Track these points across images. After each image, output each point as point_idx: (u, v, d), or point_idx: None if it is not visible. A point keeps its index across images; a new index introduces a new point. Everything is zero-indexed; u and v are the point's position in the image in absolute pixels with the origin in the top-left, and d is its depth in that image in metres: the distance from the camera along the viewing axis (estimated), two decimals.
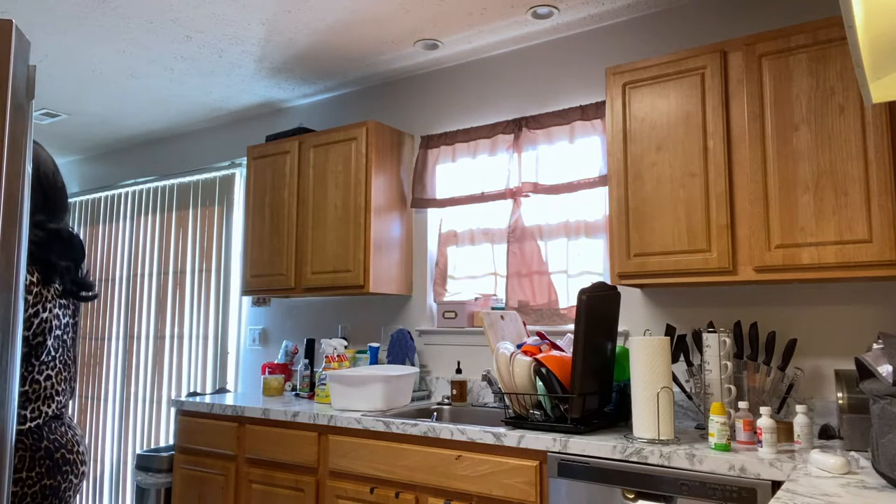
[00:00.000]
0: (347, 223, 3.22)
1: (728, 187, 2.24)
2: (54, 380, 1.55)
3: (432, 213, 3.41)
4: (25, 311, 1.44)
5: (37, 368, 1.51)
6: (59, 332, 1.56)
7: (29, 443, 1.46)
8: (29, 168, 1.18)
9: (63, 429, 1.55)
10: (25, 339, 1.47)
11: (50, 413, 1.54)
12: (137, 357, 4.48)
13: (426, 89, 3.46)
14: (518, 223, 3.08)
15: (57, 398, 1.56)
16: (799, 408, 2.02)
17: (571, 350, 2.25)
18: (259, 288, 3.54)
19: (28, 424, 1.48)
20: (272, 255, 3.48)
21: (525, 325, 2.78)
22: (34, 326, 1.48)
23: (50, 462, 1.48)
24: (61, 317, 1.57)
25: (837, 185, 2.05)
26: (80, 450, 1.58)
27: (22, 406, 1.48)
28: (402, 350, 3.26)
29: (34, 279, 1.48)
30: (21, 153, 1.13)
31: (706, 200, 2.27)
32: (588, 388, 2.23)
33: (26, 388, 1.50)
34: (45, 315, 1.50)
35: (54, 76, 3.52)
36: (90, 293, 1.65)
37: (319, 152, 3.38)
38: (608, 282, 2.49)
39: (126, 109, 4.06)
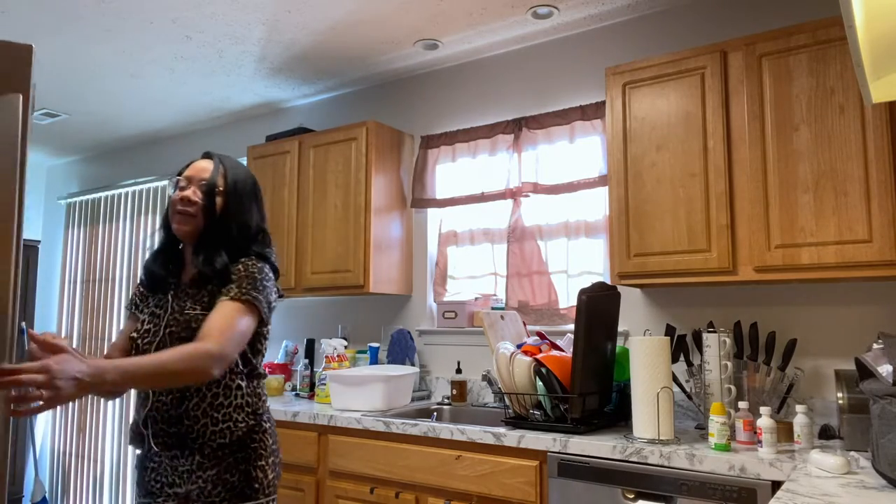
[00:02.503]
0: (347, 223, 3.22)
1: (728, 187, 2.24)
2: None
3: (432, 213, 3.41)
4: (272, 304, 1.68)
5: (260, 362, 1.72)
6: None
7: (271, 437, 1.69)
8: (26, 173, 1.21)
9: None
10: (263, 335, 1.69)
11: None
12: None
13: (426, 89, 3.46)
14: (518, 223, 3.08)
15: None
16: (799, 408, 2.02)
17: (571, 350, 2.25)
18: None
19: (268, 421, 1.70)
20: None
21: (525, 325, 2.78)
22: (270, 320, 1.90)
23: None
24: None
25: (837, 185, 2.05)
26: None
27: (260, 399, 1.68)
28: (402, 350, 3.26)
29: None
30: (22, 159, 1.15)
31: (706, 200, 2.27)
32: (588, 388, 2.22)
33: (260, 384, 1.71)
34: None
35: (54, 76, 3.52)
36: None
37: (319, 152, 3.38)
38: (608, 282, 2.49)
39: (126, 109, 4.06)
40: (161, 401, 1.57)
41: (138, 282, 1.77)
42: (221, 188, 1.66)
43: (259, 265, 1.64)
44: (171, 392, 1.57)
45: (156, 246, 1.74)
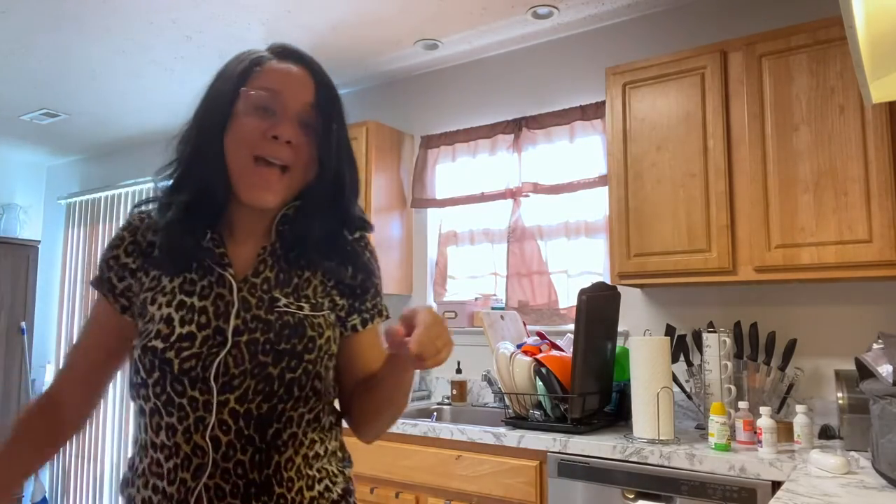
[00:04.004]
0: None
1: (728, 187, 2.24)
2: None
3: (432, 213, 3.40)
4: None
5: None
6: None
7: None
8: None
9: None
10: None
11: None
12: None
13: (426, 89, 3.46)
14: (518, 223, 3.08)
15: None
16: (799, 408, 2.02)
17: (571, 350, 2.25)
18: None
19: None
20: None
21: (525, 325, 2.78)
22: None
23: None
24: None
25: (837, 185, 2.05)
26: None
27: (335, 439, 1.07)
28: None
29: None
30: None
31: (706, 200, 2.27)
32: (588, 388, 2.22)
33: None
34: None
35: (54, 76, 3.52)
36: None
37: None
38: (608, 282, 2.49)
39: (126, 109, 4.06)
40: (234, 459, 0.90)
41: (113, 245, 1.02)
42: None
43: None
44: (251, 442, 0.91)
45: (188, 190, 0.99)
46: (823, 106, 2.09)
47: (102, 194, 4.89)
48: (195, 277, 0.96)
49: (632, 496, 1.99)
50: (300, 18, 2.89)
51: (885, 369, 1.53)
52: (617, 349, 2.44)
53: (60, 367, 1.08)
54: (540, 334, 2.59)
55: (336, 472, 1.02)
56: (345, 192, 1.02)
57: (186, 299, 0.94)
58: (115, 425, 4.56)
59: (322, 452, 1.00)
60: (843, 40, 2.07)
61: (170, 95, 3.82)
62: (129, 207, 4.71)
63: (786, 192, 2.13)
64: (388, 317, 1.10)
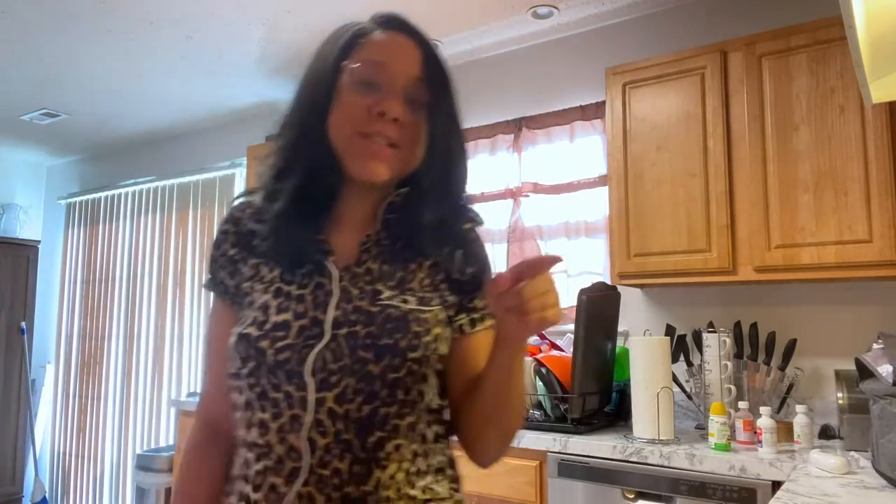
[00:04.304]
0: None
1: (728, 187, 2.24)
2: None
3: None
4: None
5: None
6: None
7: None
8: None
9: None
10: None
11: None
12: (137, 357, 4.48)
13: None
14: (518, 223, 3.08)
15: None
16: (799, 408, 2.02)
17: (571, 350, 2.25)
18: None
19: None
20: None
21: None
22: None
23: None
24: None
25: (837, 185, 2.05)
26: None
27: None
28: None
29: None
30: None
31: (706, 200, 2.27)
32: (588, 388, 2.22)
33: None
34: None
35: (54, 76, 3.52)
36: None
37: None
38: (608, 282, 2.49)
39: (126, 109, 4.06)
40: (331, 465, 0.81)
41: (218, 242, 0.96)
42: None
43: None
44: (350, 448, 0.82)
45: (295, 177, 0.90)
46: (823, 106, 2.09)
47: (102, 194, 4.89)
48: (296, 265, 0.89)
49: (632, 496, 1.99)
50: (300, 18, 2.89)
51: (885, 369, 1.53)
52: (617, 349, 2.44)
53: (200, 387, 1.02)
54: (540, 334, 2.58)
55: (445, 493, 0.91)
56: (456, 175, 0.93)
57: (284, 287, 0.87)
58: (115, 425, 4.56)
59: (425, 468, 0.88)
60: (843, 40, 2.06)
61: (170, 95, 3.82)
62: (128, 207, 4.72)
63: (786, 192, 2.13)
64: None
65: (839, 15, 1.16)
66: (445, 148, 0.90)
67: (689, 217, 2.29)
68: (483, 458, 0.95)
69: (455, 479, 0.96)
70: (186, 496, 0.94)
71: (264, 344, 0.83)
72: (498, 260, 3.15)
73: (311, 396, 0.81)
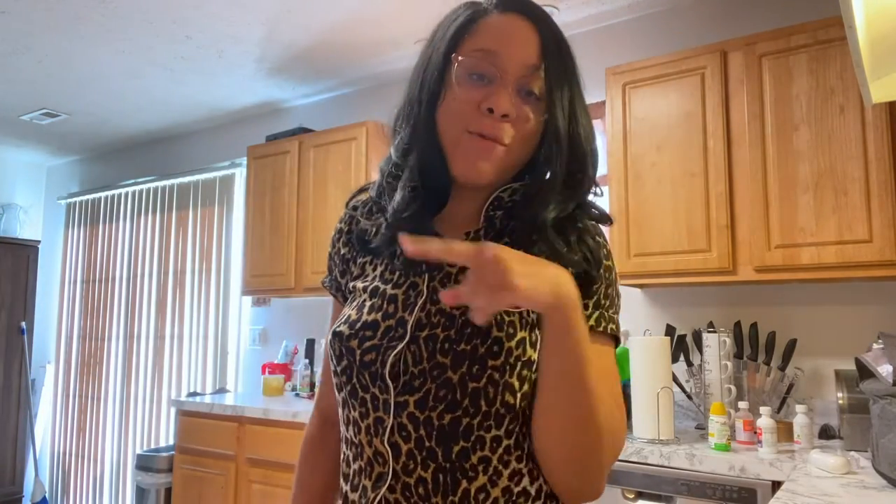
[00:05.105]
0: None
1: (728, 187, 2.24)
2: None
3: None
4: None
5: None
6: None
7: None
8: None
9: None
10: None
11: None
12: (137, 357, 4.48)
13: None
14: None
15: None
16: (799, 408, 2.02)
17: None
18: (259, 288, 3.54)
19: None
20: (272, 255, 3.48)
21: None
22: None
23: None
24: None
25: (837, 185, 2.05)
26: None
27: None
28: None
29: None
30: None
31: (706, 200, 2.27)
32: None
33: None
34: None
35: (54, 76, 3.52)
36: None
37: (319, 152, 3.38)
38: None
39: (126, 109, 4.06)
40: (415, 474, 0.78)
41: (333, 241, 0.97)
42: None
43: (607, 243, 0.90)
44: (433, 457, 0.78)
45: (411, 173, 0.85)
46: (823, 106, 2.09)
47: (102, 194, 4.89)
48: (397, 265, 0.85)
49: (632, 496, 1.99)
50: (300, 18, 2.89)
51: (885, 369, 1.53)
52: (617, 349, 2.44)
53: (319, 381, 1.03)
54: None
55: None
56: (575, 169, 0.83)
57: (381, 286, 0.84)
58: (115, 425, 4.56)
59: (533, 492, 0.79)
60: (843, 40, 2.06)
61: (170, 95, 3.82)
62: (128, 207, 4.72)
63: (786, 192, 2.13)
64: (607, 331, 0.83)
65: (839, 15, 1.16)
66: (566, 139, 0.81)
67: (689, 217, 2.29)
68: (560, 484, 0.79)
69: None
70: (303, 486, 0.98)
71: (353, 343, 0.81)
72: None
73: (392, 399, 0.78)
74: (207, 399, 3.34)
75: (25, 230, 5.09)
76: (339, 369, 0.83)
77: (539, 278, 0.67)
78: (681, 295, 2.62)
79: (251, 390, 3.88)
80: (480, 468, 0.77)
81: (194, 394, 3.75)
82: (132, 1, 2.73)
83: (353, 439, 0.83)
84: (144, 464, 3.45)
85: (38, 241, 4.98)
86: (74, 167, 5.23)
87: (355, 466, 0.82)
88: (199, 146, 4.45)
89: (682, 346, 2.41)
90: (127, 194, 4.76)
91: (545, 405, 0.75)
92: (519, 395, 0.78)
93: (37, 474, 4.74)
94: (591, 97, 2.89)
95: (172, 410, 4.09)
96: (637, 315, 2.70)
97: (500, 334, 0.78)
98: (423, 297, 0.81)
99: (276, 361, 3.68)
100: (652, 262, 2.35)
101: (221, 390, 3.89)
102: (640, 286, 2.56)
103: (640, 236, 2.38)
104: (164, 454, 3.42)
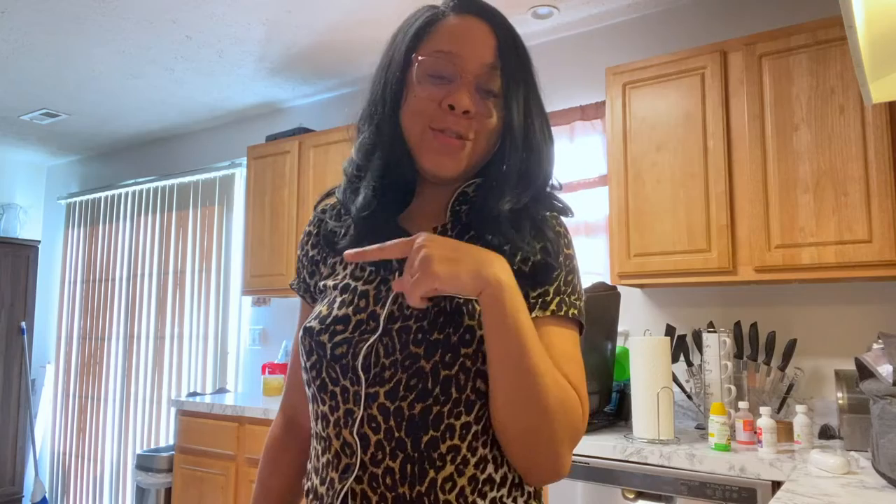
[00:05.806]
0: None
1: (728, 187, 2.24)
2: None
3: None
4: None
5: None
6: None
7: None
8: None
9: None
10: None
11: None
12: (137, 357, 4.48)
13: None
14: None
15: None
16: (799, 408, 2.02)
17: None
18: (259, 288, 3.54)
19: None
20: (272, 255, 3.48)
21: None
22: None
23: None
24: None
25: (837, 185, 2.05)
26: None
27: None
28: None
29: None
30: None
31: (706, 200, 2.27)
32: (588, 388, 2.22)
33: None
34: None
35: (54, 76, 3.52)
36: None
37: (319, 152, 3.38)
38: (608, 282, 2.49)
39: (126, 109, 4.06)
40: (383, 464, 0.79)
41: (302, 243, 1.00)
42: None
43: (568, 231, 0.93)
44: (402, 447, 0.79)
45: (372, 173, 0.88)
46: (823, 106, 2.09)
47: (102, 194, 4.89)
48: (366, 262, 0.88)
49: (632, 496, 1.99)
50: (300, 18, 2.89)
51: (885, 369, 1.53)
52: (617, 349, 2.44)
53: (284, 384, 1.04)
54: None
55: None
56: (533, 163, 0.87)
57: (352, 283, 0.87)
58: (115, 425, 4.56)
59: (498, 479, 0.81)
60: (843, 40, 2.07)
61: (170, 95, 3.82)
62: (128, 207, 4.72)
63: (786, 192, 2.13)
64: (569, 316, 0.84)
65: (839, 15, 1.16)
66: (521, 135, 0.85)
67: (689, 217, 2.29)
68: (516, 465, 0.82)
69: (538, 497, 0.88)
70: (265, 487, 0.98)
71: (324, 338, 0.83)
72: None
73: (363, 391, 0.80)
74: (207, 399, 3.34)
75: (25, 230, 5.09)
76: (308, 365, 0.85)
77: (460, 264, 0.71)
78: (681, 295, 2.62)
79: (251, 390, 3.88)
80: (448, 457, 0.79)
81: (194, 394, 3.75)
82: (132, 1, 2.73)
83: (322, 433, 0.84)
84: (144, 464, 3.45)
85: (38, 242, 4.98)
86: (74, 167, 5.23)
87: (324, 460, 0.83)
88: (198, 146, 4.45)
89: (682, 347, 2.41)
90: (127, 194, 4.76)
91: (493, 386, 0.77)
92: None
93: (37, 474, 4.74)
94: (591, 97, 2.90)
95: (172, 410, 4.09)
96: (637, 315, 2.70)
97: (473, 322, 0.80)
98: (395, 292, 0.83)
99: (276, 361, 3.69)
100: (652, 263, 2.35)
101: (221, 390, 3.89)
102: (641, 286, 2.56)
103: (640, 236, 2.38)
104: (164, 454, 3.42)
